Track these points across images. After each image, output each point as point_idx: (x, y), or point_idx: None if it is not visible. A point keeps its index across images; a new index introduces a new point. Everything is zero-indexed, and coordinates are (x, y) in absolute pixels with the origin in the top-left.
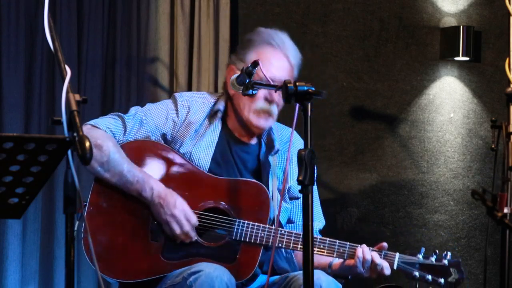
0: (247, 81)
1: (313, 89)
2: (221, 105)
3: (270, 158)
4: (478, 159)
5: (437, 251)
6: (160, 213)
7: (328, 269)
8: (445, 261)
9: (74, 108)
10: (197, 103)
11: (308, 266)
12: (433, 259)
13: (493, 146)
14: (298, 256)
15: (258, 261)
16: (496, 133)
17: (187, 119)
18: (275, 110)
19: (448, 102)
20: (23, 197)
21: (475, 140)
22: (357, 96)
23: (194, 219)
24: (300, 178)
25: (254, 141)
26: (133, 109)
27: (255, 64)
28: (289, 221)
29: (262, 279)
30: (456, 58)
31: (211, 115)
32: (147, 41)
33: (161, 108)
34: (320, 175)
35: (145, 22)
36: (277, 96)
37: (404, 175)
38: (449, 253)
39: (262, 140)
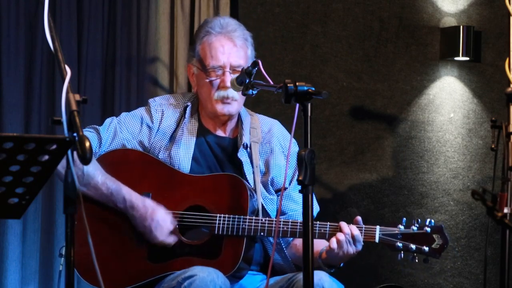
0: (247, 81)
1: (313, 89)
2: (189, 102)
3: (243, 151)
4: (478, 159)
5: (419, 219)
6: (136, 224)
7: (318, 259)
8: (427, 228)
9: (74, 108)
10: (170, 106)
11: (308, 266)
12: (414, 227)
13: (493, 146)
14: (294, 247)
15: (242, 253)
16: (496, 133)
17: (162, 123)
18: (234, 94)
19: (448, 102)
20: (23, 197)
21: (475, 140)
22: (357, 96)
23: (166, 229)
24: (300, 178)
25: (230, 134)
26: (108, 120)
27: (255, 64)
28: (281, 212)
29: (259, 278)
30: (456, 58)
31: (184, 114)
32: (147, 41)
33: (135, 116)
34: (320, 175)
35: (145, 22)
36: (230, 80)
37: (404, 175)
38: (432, 220)
39: (238, 133)
